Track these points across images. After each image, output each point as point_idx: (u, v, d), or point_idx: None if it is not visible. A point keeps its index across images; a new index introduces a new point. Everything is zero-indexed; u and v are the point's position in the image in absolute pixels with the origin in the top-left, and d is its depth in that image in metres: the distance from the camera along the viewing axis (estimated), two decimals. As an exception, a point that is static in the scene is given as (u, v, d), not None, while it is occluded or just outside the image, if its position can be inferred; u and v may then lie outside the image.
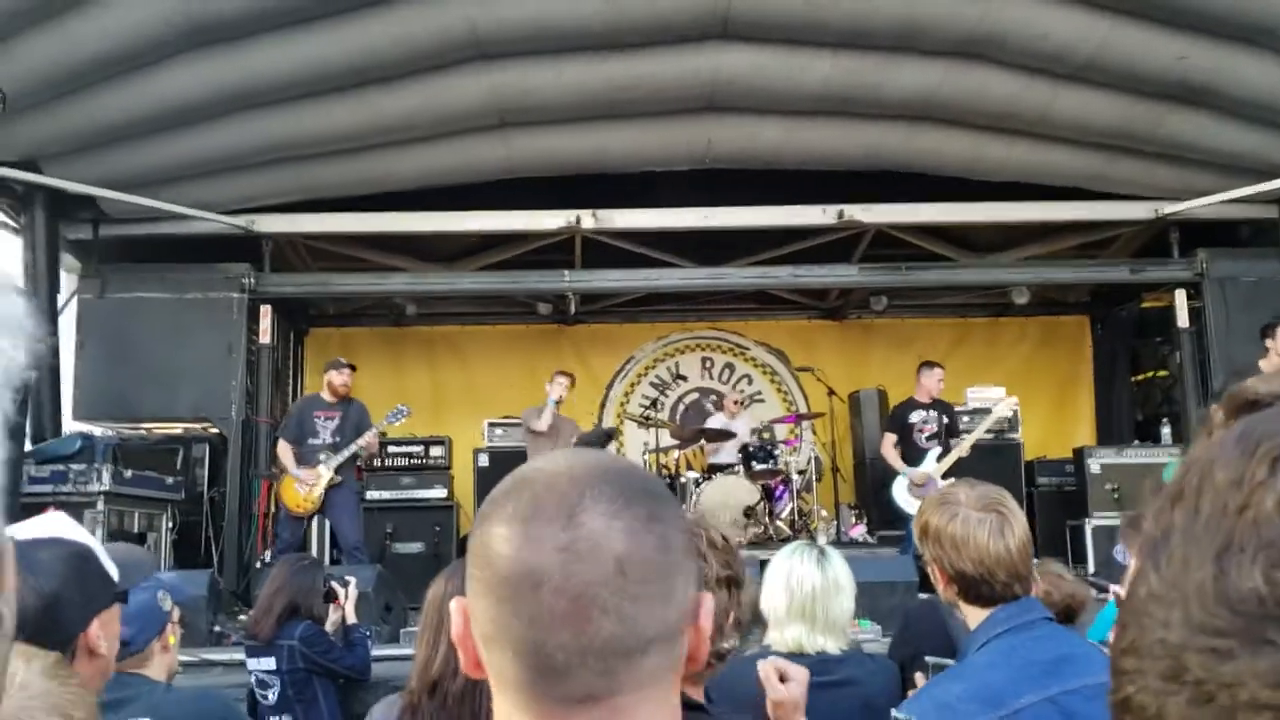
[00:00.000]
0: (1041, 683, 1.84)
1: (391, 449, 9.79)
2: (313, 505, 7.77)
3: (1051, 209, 9.40)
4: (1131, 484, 8.81)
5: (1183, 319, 9.48)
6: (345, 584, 4.62)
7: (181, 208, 8.62)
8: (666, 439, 9.70)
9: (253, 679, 4.45)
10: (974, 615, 2.04)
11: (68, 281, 9.02)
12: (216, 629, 6.93)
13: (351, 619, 4.57)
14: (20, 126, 7.65)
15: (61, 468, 7.53)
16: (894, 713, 1.92)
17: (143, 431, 9.27)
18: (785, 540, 6.64)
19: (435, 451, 9.97)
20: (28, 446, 7.62)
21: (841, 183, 9.16)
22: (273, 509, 8.56)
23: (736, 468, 9.18)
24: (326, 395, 8.08)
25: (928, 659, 2.61)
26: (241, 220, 8.98)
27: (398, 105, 7.89)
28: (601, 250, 9.64)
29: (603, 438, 9.14)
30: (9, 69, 6.99)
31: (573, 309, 10.97)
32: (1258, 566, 0.47)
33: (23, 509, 6.74)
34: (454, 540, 9.24)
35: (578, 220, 9.18)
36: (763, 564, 2.93)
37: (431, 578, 2.60)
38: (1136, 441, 10.07)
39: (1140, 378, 11.28)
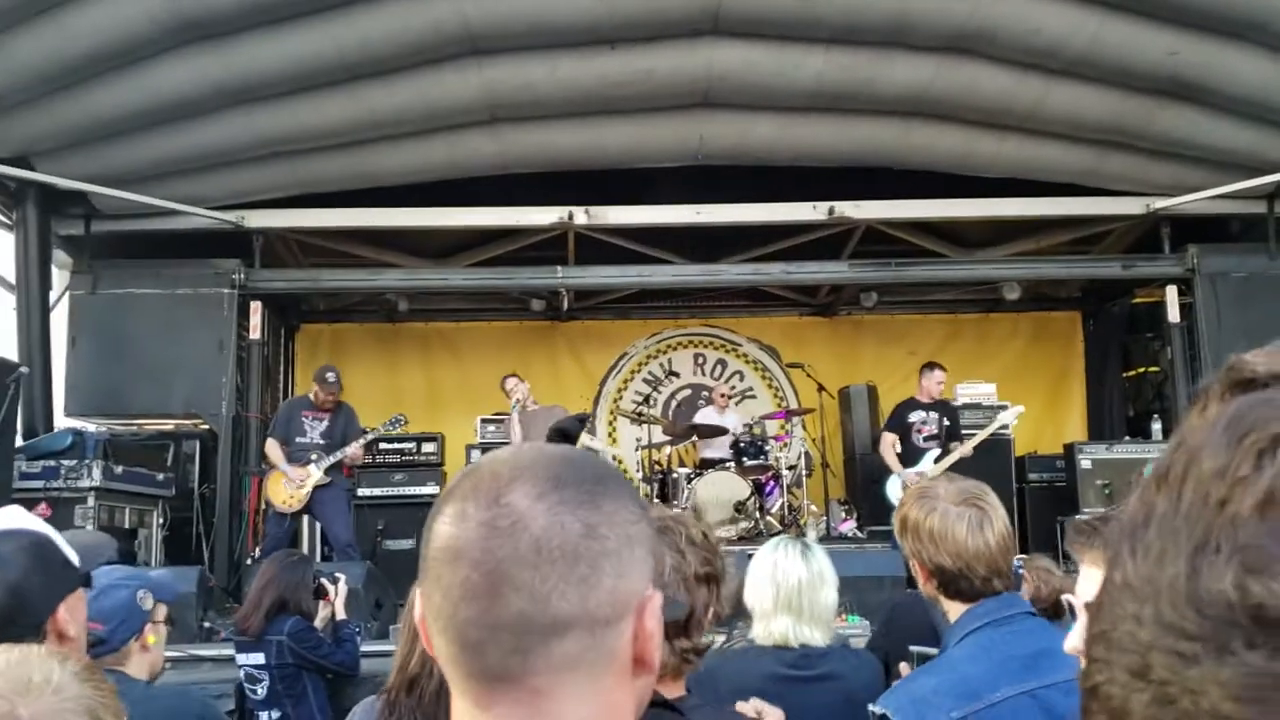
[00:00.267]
0: (1020, 677, 1.85)
1: (383, 445, 9.77)
2: (298, 503, 7.76)
3: (1043, 204, 9.42)
4: (1122, 480, 8.83)
5: (1174, 314, 9.51)
6: (335, 581, 4.63)
7: (172, 203, 8.61)
8: (659, 435, 9.71)
9: (242, 674, 4.47)
10: (954, 610, 2.04)
11: (60, 277, 9.02)
12: (206, 625, 6.94)
13: (341, 615, 4.59)
14: (12, 122, 7.65)
15: (53, 463, 7.52)
16: (871, 707, 1.93)
17: (134, 427, 9.26)
18: (776, 535, 6.66)
19: (427, 448, 9.96)
20: (19, 442, 7.62)
21: (832, 179, 9.17)
22: (263, 506, 8.56)
23: (728, 463, 9.20)
24: (314, 399, 8.07)
25: (913, 649, 2.62)
26: (232, 216, 8.97)
27: (390, 100, 7.88)
28: (594, 246, 9.65)
29: (575, 424, 9.16)
30: (0, 65, 6.99)
31: (566, 305, 10.98)
32: (1230, 570, 0.45)
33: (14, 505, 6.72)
34: (446, 536, 9.22)
35: (570, 216, 9.19)
36: (750, 559, 2.93)
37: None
38: (1128, 437, 10.10)
39: (1131, 373, 11.30)
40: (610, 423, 11.57)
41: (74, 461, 7.54)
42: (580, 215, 9.20)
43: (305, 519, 8.39)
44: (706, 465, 9.42)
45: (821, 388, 10.40)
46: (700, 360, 11.84)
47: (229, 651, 6.23)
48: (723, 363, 11.82)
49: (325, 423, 7.95)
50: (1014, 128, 8.48)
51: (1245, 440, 0.48)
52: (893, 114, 8.39)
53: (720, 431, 9.56)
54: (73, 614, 1.72)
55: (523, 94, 8.00)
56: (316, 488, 7.75)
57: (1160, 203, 9.21)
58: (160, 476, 8.28)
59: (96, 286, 8.92)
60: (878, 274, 10.02)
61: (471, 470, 0.89)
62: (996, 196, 9.23)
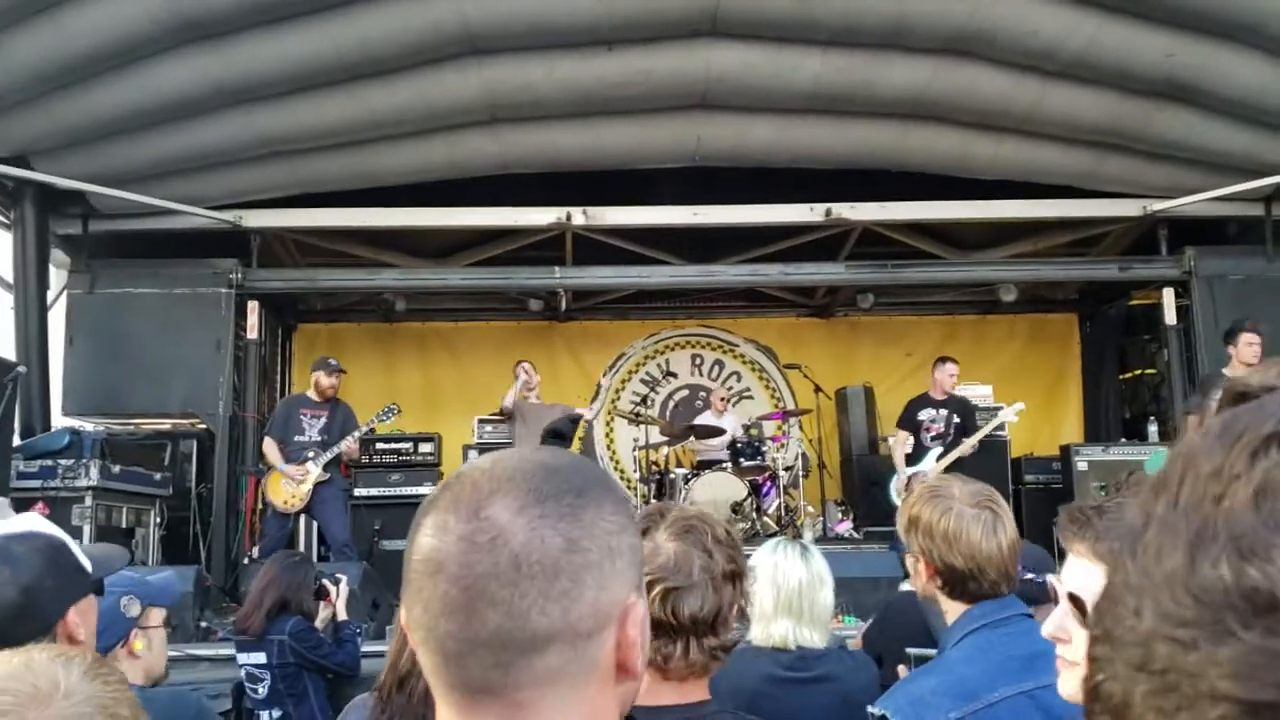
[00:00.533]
0: (1017, 677, 1.85)
1: (380, 445, 9.77)
2: (300, 502, 7.77)
3: (1040, 206, 9.43)
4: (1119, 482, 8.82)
5: (1170, 317, 9.52)
6: (336, 581, 4.65)
7: (170, 203, 8.61)
8: (656, 436, 9.72)
9: (243, 673, 4.48)
10: (953, 610, 2.05)
11: (57, 277, 9.02)
12: (203, 624, 6.94)
13: (342, 616, 4.60)
14: (10, 122, 7.65)
15: (50, 463, 7.51)
16: (870, 709, 1.93)
17: (131, 427, 9.26)
18: (772, 536, 6.66)
19: (425, 448, 9.95)
20: (16, 441, 7.61)
21: (830, 181, 9.18)
22: (260, 505, 8.56)
23: (725, 464, 9.21)
24: (313, 394, 8.07)
25: (910, 650, 2.62)
26: (230, 215, 8.97)
27: (389, 100, 7.88)
28: (592, 247, 9.65)
29: (568, 425, 9.23)
30: (-2, 63, 6.99)
31: (564, 305, 10.99)
32: (1226, 557, 0.47)
33: (11, 504, 6.73)
34: (443, 537, 9.22)
35: (568, 217, 9.19)
36: (747, 560, 2.94)
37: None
38: (1124, 439, 10.11)
39: (1128, 375, 11.32)
40: (608, 423, 11.58)
41: (71, 461, 7.53)
42: (578, 216, 9.21)
43: (302, 519, 8.38)
44: (703, 466, 9.43)
45: (818, 389, 10.40)
46: (698, 361, 11.85)
47: (226, 651, 6.24)
48: (720, 363, 11.83)
49: (323, 420, 7.96)
50: (1011, 130, 8.49)
51: (1239, 442, 0.50)
52: (890, 116, 8.40)
53: (717, 432, 9.57)
54: (83, 618, 1.73)
55: (522, 94, 8.01)
56: (316, 485, 7.75)
57: (1157, 205, 9.22)
58: (157, 476, 8.28)
59: (94, 286, 8.92)
60: (875, 275, 10.03)
61: (453, 480, 0.89)
62: (993, 198, 9.24)
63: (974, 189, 9.14)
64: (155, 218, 8.80)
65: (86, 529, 7.23)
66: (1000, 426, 8.96)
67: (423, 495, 7.92)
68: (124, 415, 9.16)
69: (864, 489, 10.09)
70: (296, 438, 7.90)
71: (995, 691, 1.80)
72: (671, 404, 11.63)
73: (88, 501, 7.37)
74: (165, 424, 9.32)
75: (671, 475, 9.23)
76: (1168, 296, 9.57)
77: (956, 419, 8.37)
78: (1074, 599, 1.46)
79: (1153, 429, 9.83)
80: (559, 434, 9.05)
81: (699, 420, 10.13)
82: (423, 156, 8.67)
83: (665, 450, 9.69)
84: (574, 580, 0.83)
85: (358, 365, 10.57)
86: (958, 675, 1.89)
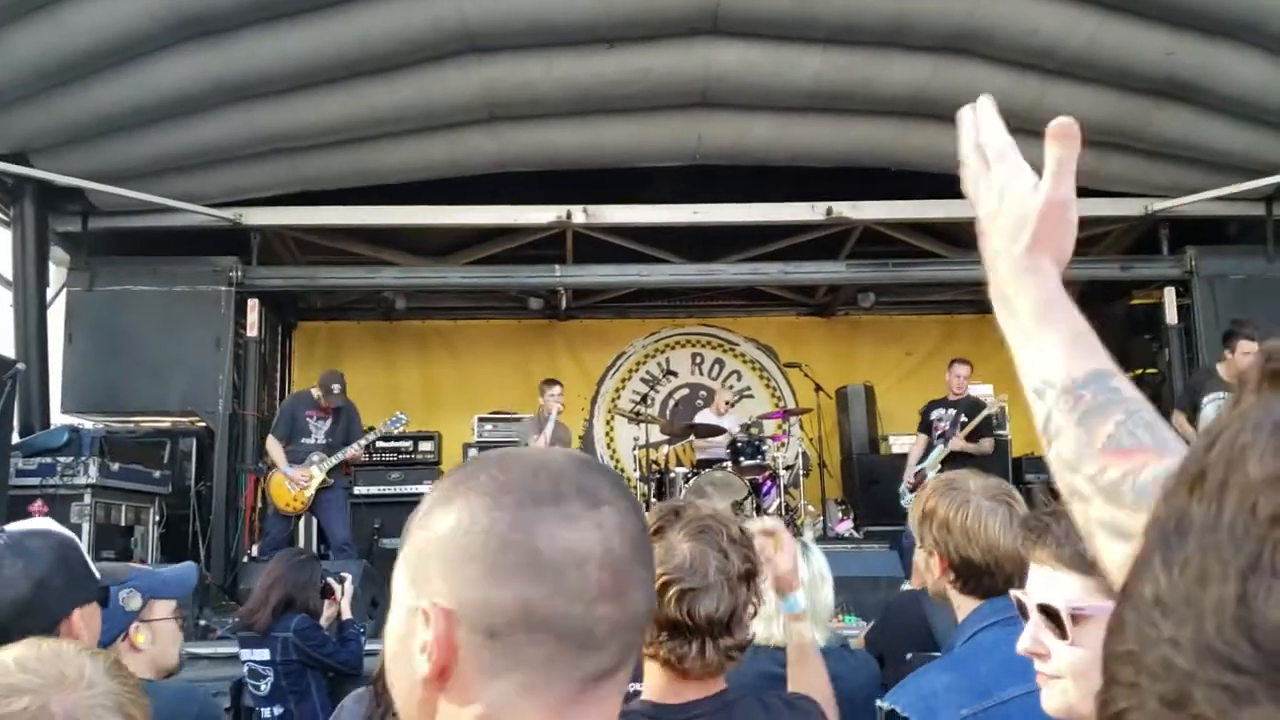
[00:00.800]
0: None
1: (380, 444, 9.75)
2: (302, 505, 7.76)
3: (1041, 205, 9.40)
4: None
5: (1172, 316, 9.52)
6: (341, 580, 4.65)
7: (170, 200, 8.59)
8: (656, 434, 9.71)
9: (246, 669, 4.48)
10: (964, 606, 2.03)
11: (56, 274, 9.00)
12: (202, 623, 6.93)
13: (347, 615, 4.60)
14: (10, 118, 7.63)
15: (49, 460, 7.49)
16: (878, 703, 1.92)
17: (130, 424, 9.24)
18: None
19: (424, 446, 9.96)
20: (15, 439, 7.60)
21: (830, 179, 9.18)
22: (260, 504, 8.55)
23: (725, 463, 9.19)
24: (317, 394, 8.05)
25: (909, 656, 2.61)
26: (230, 213, 8.96)
27: (388, 98, 7.87)
28: (593, 245, 9.65)
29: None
30: (-3, 60, 6.98)
31: (564, 304, 10.98)
32: None
33: (10, 501, 6.72)
34: (442, 535, 9.20)
35: (569, 215, 9.19)
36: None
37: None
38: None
39: (1129, 375, 11.19)
40: (608, 422, 11.57)
41: (70, 459, 7.51)
42: (578, 214, 9.20)
43: (302, 517, 8.37)
44: (704, 465, 9.41)
45: (819, 388, 10.39)
46: (698, 360, 11.84)
47: (225, 650, 6.23)
48: (720, 362, 11.82)
49: (329, 422, 7.94)
50: (1012, 128, 8.43)
51: None
52: (890, 114, 8.39)
53: (718, 431, 9.56)
54: (87, 623, 1.75)
55: (521, 92, 8.00)
56: (319, 489, 7.74)
57: (1158, 204, 9.21)
58: (157, 474, 8.26)
59: (94, 283, 8.91)
60: (875, 274, 10.03)
61: (523, 470, 0.87)
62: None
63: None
64: (155, 215, 8.79)
65: (85, 527, 7.21)
66: (989, 420, 8.96)
67: (422, 493, 7.92)
68: (123, 413, 9.14)
69: (864, 488, 10.08)
70: (303, 439, 7.89)
71: (1007, 690, 1.79)
72: (672, 403, 11.61)
73: (86, 499, 7.35)
74: (165, 422, 9.31)
75: (671, 474, 9.21)
76: (1169, 296, 9.57)
77: (963, 419, 8.45)
78: (1046, 610, 1.40)
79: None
80: None
81: (698, 419, 10.12)
82: (422, 154, 8.66)
83: (665, 449, 9.67)
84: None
85: (358, 363, 10.56)
86: (970, 672, 1.87)
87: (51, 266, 8.81)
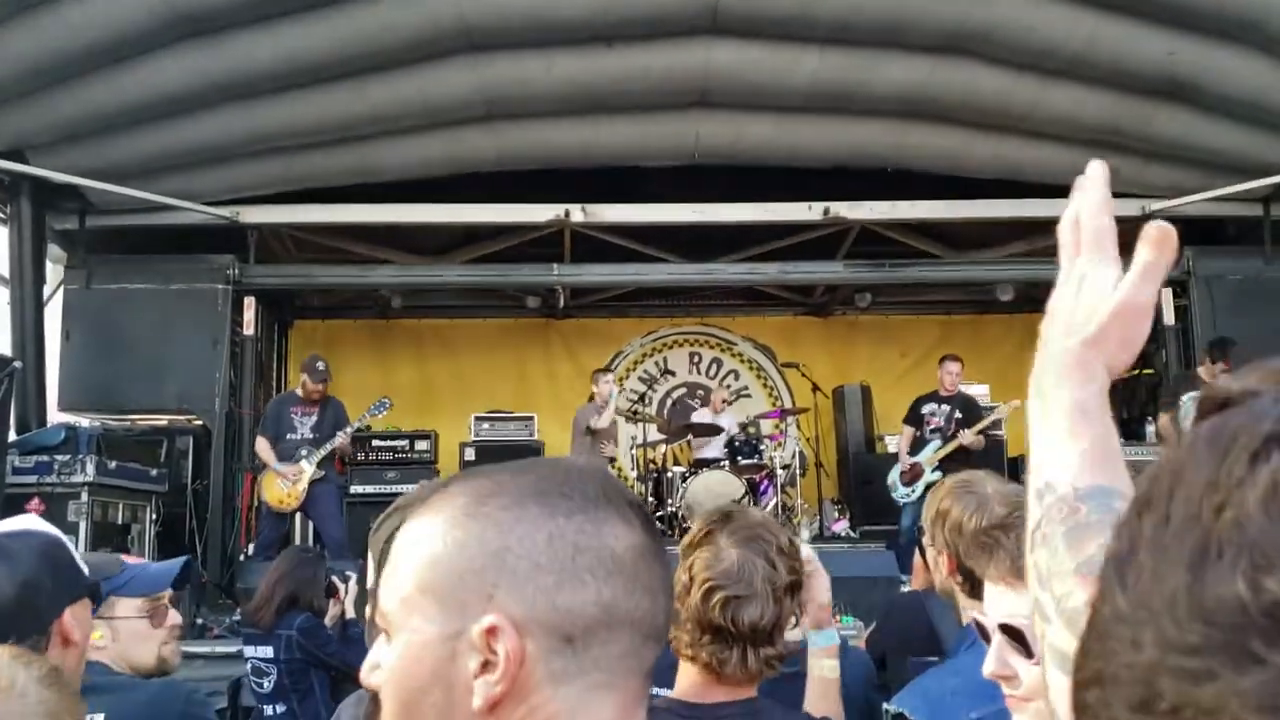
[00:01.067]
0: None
1: (376, 443, 9.76)
2: (295, 502, 7.74)
3: (1037, 206, 9.40)
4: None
5: (1169, 317, 9.51)
6: (346, 579, 4.64)
7: (167, 198, 8.58)
8: (654, 434, 9.71)
9: (249, 666, 4.48)
10: (971, 609, 2.03)
11: (53, 272, 8.98)
12: (199, 621, 6.92)
13: (351, 614, 4.59)
14: (7, 116, 7.61)
15: (46, 458, 7.48)
16: (886, 706, 1.92)
17: (127, 422, 9.23)
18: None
19: (420, 445, 9.95)
20: (12, 437, 7.59)
21: (828, 179, 9.18)
22: (255, 503, 8.54)
23: (722, 462, 9.20)
24: (301, 393, 8.05)
25: (912, 660, 2.60)
26: (227, 211, 8.95)
27: (386, 96, 7.87)
28: (590, 244, 9.64)
29: None
30: (-5, 57, 6.96)
31: (561, 302, 10.97)
32: (1239, 570, 0.41)
33: (7, 500, 6.71)
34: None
35: (566, 214, 9.18)
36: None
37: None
38: (1121, 439, 10.05)
39: (1125, 375, 11.28)
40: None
41: (67, 456, 7.50)
42: (576, 213, 9.20)
43: (298, 516, 8.37)
44: (701, 464, 9.42)
45: (816, 387, 10.41)
46: (696, 359, 11.84)
47: (222, 649, 6.23)
48: (718, 361, 11.82)
49: (314, 417, 7.92)
50: (1010, 129, 8.49)
51: (1235, 445, 0.45)
52: (889, 115, 8.40)
53: (715, 430, 9.57)
54: (78, 621, 1.72)
55: (519, 91, 8.00)
56: (311, 483, 7.73)
57: (1156, 205, 9.20)
58: (153, 472, 8.25)
59: (91, 281, 8.89)
60: (872, 274, 10.04)
61: (565, 476, 0.88)
62: (990, 198, 9.24)
63: (971, 188, 9.13)
64: (152, 213, 8.77)
65: (82, 525, 7.20)
66: (996, 424, 8.97)
67: (419, 493, 7.81)
68: (120, 411, 9.13)
69: (860, 488, 10.08)
70: (289, 436, 7.87)
71: None
72: (669, 402, 11.61)
73: (83, 497, 7.34)
74: (161, 420, 9.30)
75: (669, 474, 9.22)
76: (1166, 297, 9.55)
77: (959, 415, 8.49)
78: (1009, 630, 1.33)
79: (1149, 429, 9.82)
80: None
81: (695, 418, 10.13)
82: (420, 152, 8.66)
83: (663, 448, 9.68)
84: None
85: (354, 362, 10.56)
86: (977, 676, 1.87)
87: (48, 264, 8.79)
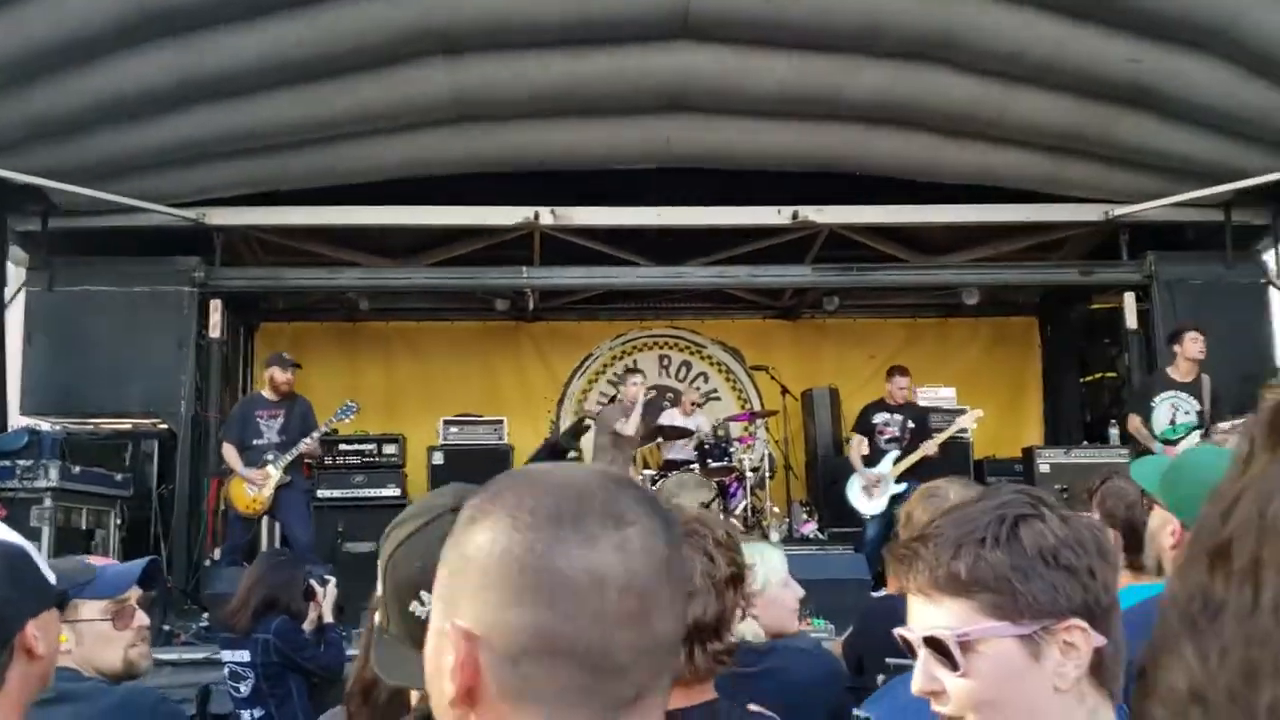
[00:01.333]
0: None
1: (343, 447, 9.68)
2: (262, 506, 7.69)
3: (1003, 211, 9.53)
4: (1080, 484, 8.92)
5: (1131, 321, 9.64)
6: (325, 583, 4.61)
7: (132, 200, 8.49)
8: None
9: (226, 671, 4.45)
10: None
11: (15, 274, 8.85)
12: (166, 628, 6.85)
13: (329, 618, 4.56)
14: (-34, 115, 7.51)
15: (8, 463, 7.39)
16: (855, 711, 1.93)
17: (91, 426, 9.11)
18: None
19: (388, 449, 9.87)
20: (-28, 442, 7.49)
21: (798, 183, 9.23)
22: (221, 507, 8.46)
23: (692, 465, 9.22)
24: (268, 393, 7.98)
25: (889, 660, 2.63)
26: (193, 213, 8.87)
27: (356, 98, 7.83)
28: (560, 247, 9.63)
29: (569, 440, 9.15)
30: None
31: (531, 305, 10.95)
32: None
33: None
34: (407, 539, 9.15)
35: (536, 216, 9.16)
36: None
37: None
38: (1085, 442, 10.24)
39: (1089, 379, 11.45)
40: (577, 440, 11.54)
41: (30, 461, 7.41)
42: (546, 215, 9.18)
43: (265, 521, 8.30)
44: (671, 467, 9.44)
45: (785, 390, 10.46)
46: (665, 362, 11.86)
47: (190, 655, 6.18)
48: (687, 364, 11.85)
49: (281, 420, 7.86)
50: (977, 135, 8.57)
51: None
52: (858, 120, 8.45)
53: (685, 433, 9.59)
54: (44, 632, 1.67)
55: (490, 93, 7.98)
56: (279, 488, 7.67)
57: (1119, 210, 9.34)
58: (118, 477, 8.16)
59: (54, 284, 8.75)
60: (840, 278, 10.10)
61: (545, 488, 0.85)
62: (957, 202, 9.33)
63: (938, 193, 9.22)
64: (116, 215, 8.67)
65: (45, 530, 7.11)
66: (960, 431, 9.07)
67: (386, 497, 7.88)
68: (84, 415, 9.00)
69: (829, 490, 10.14)
70: (255, 441, 7.81)
71: None
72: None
73: (47, 503, 7.25)
74: (126, 424, 9.18)
75: (639, 476, 9.22)
76: (1128, 301, 9.69)
77: (911, 424, 8.62)
78: (932, 643, 1.29)
79: (1113, 432, 9.95)
80: (557, 450, 8.92)
81: (665, 420, 10.14)
82: (390, 155, 8.62)
83: (634, 451, 9.68)
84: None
85: (321, 365, 10.49)
86: None
87: (10, 266, 8.66)
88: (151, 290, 8.85)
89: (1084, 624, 1.23)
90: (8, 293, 8.49)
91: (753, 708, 1.90)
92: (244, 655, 4.30)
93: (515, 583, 0.82)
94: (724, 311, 11.79)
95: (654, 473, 9.32)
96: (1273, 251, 9.60)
